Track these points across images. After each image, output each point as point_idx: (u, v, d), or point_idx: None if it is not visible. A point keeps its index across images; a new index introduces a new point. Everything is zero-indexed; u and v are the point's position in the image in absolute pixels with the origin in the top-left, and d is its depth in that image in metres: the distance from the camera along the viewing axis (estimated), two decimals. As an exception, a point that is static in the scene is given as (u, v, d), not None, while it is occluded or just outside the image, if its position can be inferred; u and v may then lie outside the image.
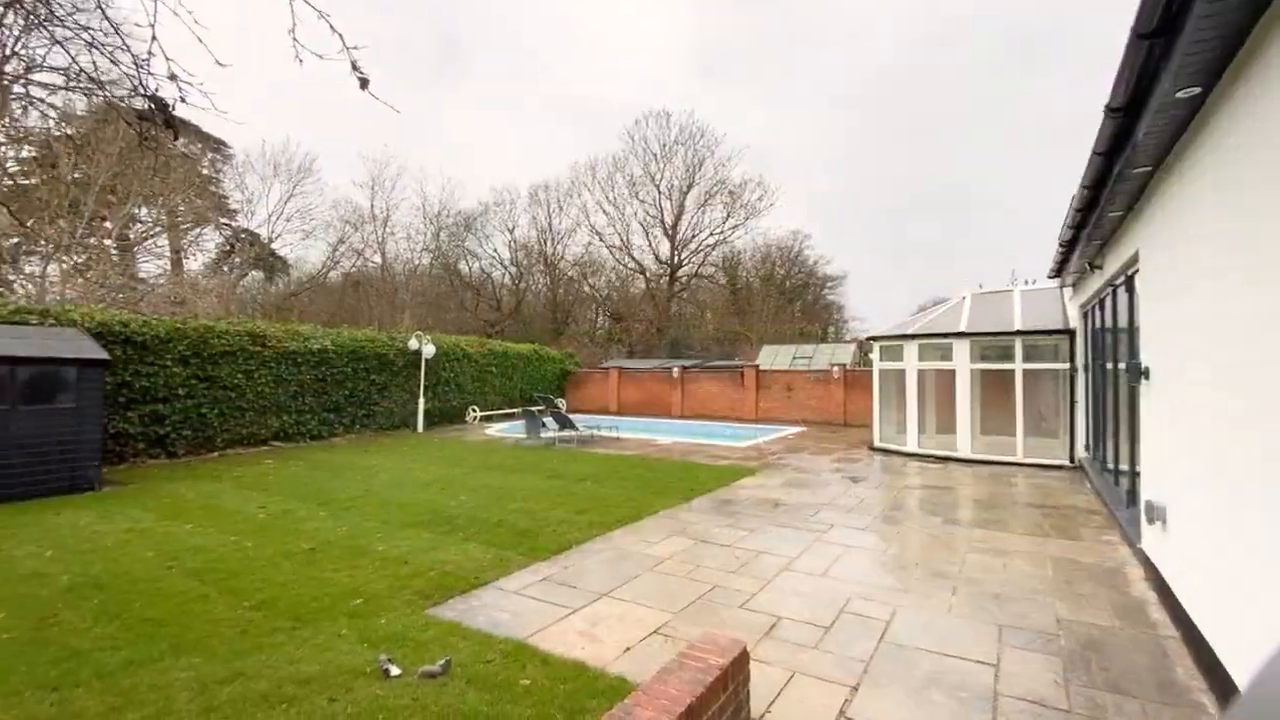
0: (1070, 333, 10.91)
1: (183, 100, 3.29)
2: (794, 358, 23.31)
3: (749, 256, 44.39)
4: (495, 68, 55.55)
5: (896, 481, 9.58)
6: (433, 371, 17.21)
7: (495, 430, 16.47)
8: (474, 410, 18.57)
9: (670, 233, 40.97)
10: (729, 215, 40.56)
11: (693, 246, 41.89)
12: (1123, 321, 6.79)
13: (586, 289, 41.47)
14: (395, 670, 3.11)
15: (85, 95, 22.71)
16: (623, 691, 3.00)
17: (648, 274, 41.92)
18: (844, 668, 3.52)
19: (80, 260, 18.88)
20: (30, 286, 17.81)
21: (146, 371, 10.94)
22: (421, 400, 16.54)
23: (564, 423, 13.69)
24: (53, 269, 18.05)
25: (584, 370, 24.85)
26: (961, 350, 11.61)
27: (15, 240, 18.36)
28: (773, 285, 43.17)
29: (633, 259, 41.63)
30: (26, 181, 19.78)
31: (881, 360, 13.28)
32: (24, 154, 20.40)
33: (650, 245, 41.67)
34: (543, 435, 13.52)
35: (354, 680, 2.99)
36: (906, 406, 12.38)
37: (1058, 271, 9.78)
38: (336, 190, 37.98)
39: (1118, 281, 6.94)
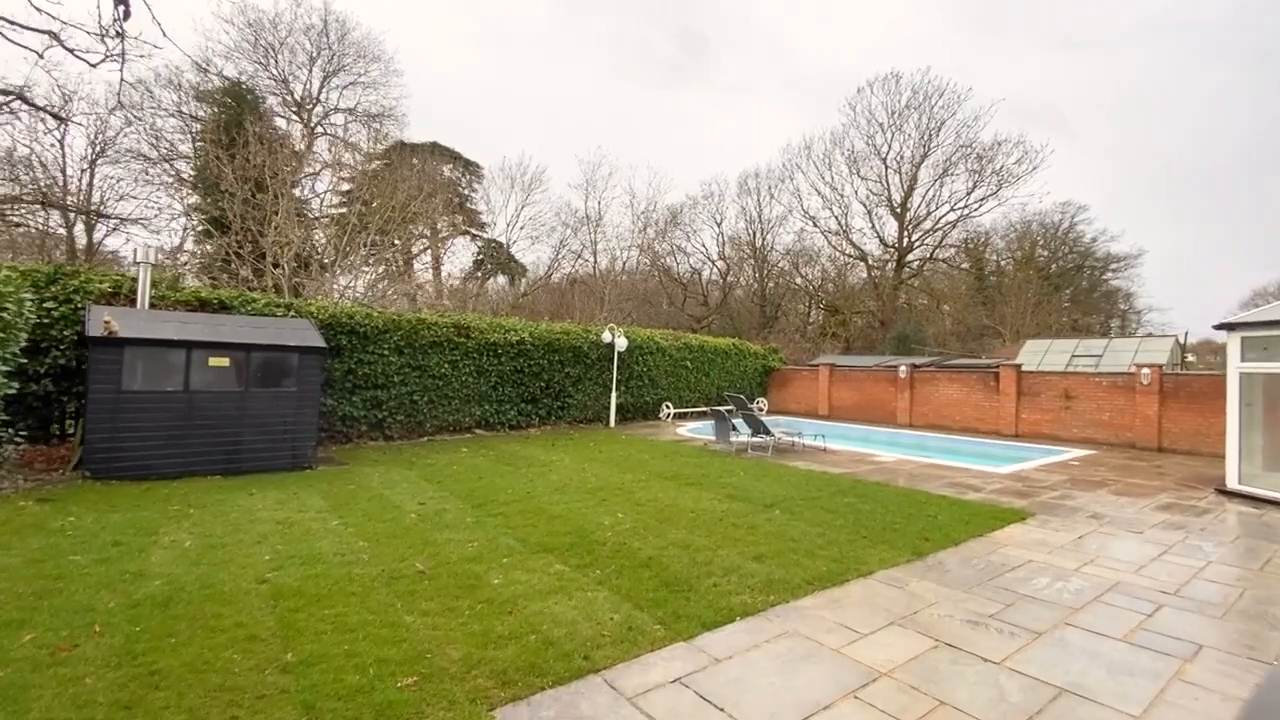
0: None
1: None
2: (1073, 356, 17.88)
3: (1001, 235, 36.89)
4: (722, 62, 54.95)
5: (1302, 559, 5.77)
6: (625, 365, 16.57)
7: (686, 429, 15.18)
8: (668, 407, 17.56)
9: (898, 212, 35.67)
10: (975, 185, 33.89)
11: (926, 226, 35.97)
12: None
13: (798, 281, 38.30)
14: None
15: (364, 127, 27.43)
16: None
17: (869, 260, 37.18)
18: None
19: (380, 271, 22.64)
20: (339, 294, 21.56)
21: (368, 360, 11.81)
22: (614, 394, 15.99)
23: (756, 426, 11.73)
24: (349, 277, 21.64)
25: (789, 367, 22.37)
26: None
27: (333, 259, 22.53)
28: (1032, 269, 35.15)
29: (852, 244, 37.26)
30: (339, 211, 24.28)
31: (1245, 359, 8.77)
32: (335, 188, 25.42)
33: (874, 227, 36.82)
34: (732, 439, 11.76)
35: None
36: (1299, 433, 7.89)
37: None
38: (559, 197, 40.63)
39: None
